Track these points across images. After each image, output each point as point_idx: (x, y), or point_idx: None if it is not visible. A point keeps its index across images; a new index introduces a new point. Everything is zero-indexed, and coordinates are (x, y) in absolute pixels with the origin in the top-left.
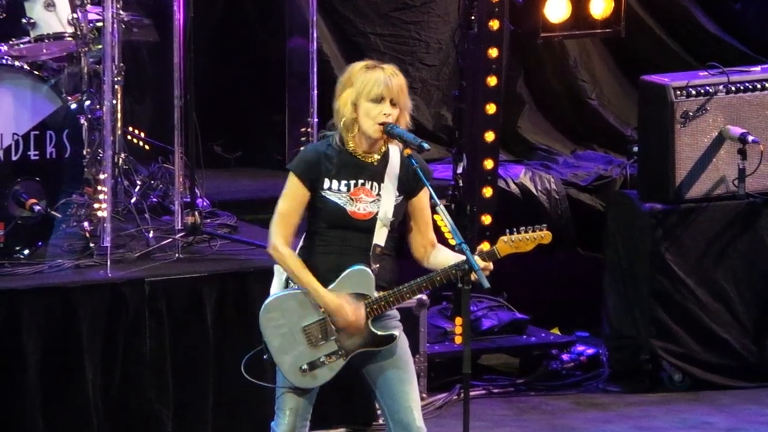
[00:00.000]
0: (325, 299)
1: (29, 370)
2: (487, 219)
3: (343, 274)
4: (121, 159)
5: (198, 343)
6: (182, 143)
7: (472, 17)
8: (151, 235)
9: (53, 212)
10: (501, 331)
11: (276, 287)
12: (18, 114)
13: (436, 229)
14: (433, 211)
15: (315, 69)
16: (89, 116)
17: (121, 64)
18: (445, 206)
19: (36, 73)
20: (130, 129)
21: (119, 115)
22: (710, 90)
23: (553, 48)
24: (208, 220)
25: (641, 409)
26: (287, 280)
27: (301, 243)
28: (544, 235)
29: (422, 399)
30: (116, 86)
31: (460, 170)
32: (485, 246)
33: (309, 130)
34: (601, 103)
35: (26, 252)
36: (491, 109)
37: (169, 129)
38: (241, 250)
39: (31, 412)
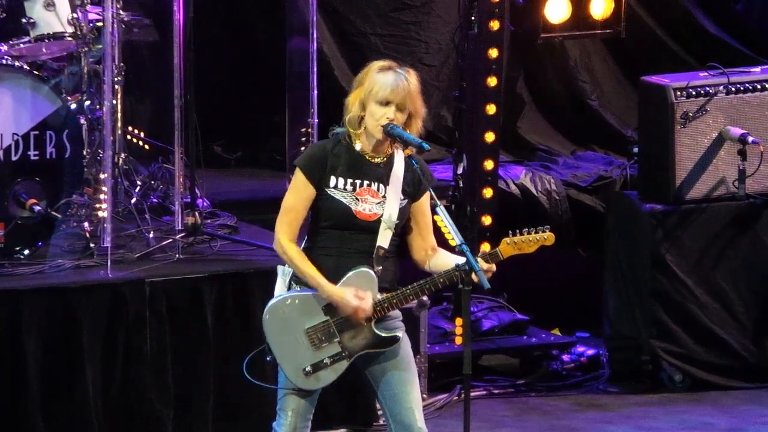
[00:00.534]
0: (328, 290)
1: (29, 371)
2: (487, 220)
3: (347, 276)
4: (121, 159)
5: (198, 343)
6: (182, 143)
7: (473, 18)
8: (151, 235)
9: (53, 212)
10: (501, 332)
11: (279, 289)
12: (18, 114)
13: (436, 229)
14: (433, 212)
15: (315, 69)
16: (89, 116)
17: (121, 64)
18: (445, 207)
19: (36, 73)
20: (130, 129)
21: (119, 115)
22: (710, 91)
23: (553, 48)
24: (209, 221)
25: (641, 410)
26: (291, 281)
27: (303, 245)
28: (547, 237)
29: (423, 400)
30: (116, 86)
31: (460, 171)
32: (486, 247)
33: (309, 130)
34: (601, 103)
35: (26, 252)
36: (491, 109)
37: (169, 129)
38: (241, 250)
39: (31, 412)
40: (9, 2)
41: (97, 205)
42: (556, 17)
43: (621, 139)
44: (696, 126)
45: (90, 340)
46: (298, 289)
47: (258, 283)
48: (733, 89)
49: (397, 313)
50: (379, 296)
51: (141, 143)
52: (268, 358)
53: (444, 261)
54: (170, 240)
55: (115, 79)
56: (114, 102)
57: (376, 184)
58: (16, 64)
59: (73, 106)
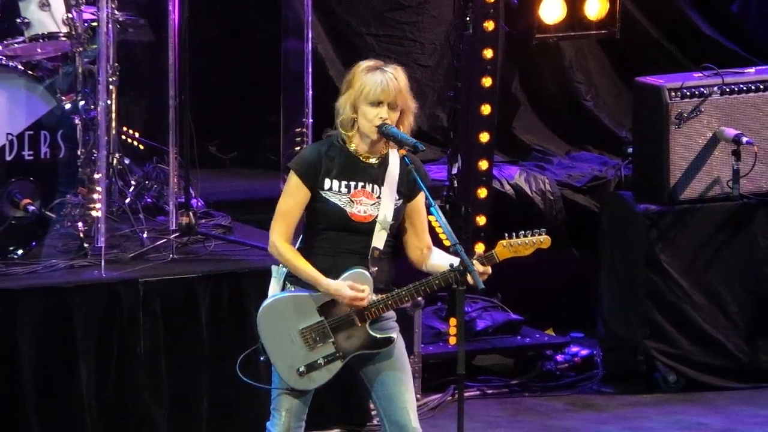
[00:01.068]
0: (324, 284)
1: (24, 371)
2: (481, 220)
3: (342, 277)
4: (115, 159)
5: (192, 343)
6: (177, 143)
7: (467, 18)
8: (145, 235)
9: (47, 212)
10: (495, 332)
11: (273, 289)
12: (12, 114)
13: (431, 229)
14: (428, 212)
15: (310, 69)
16: (84, 116)
17: (116, 64)
18: (439, 207)
19: (30, 73)
20: (125, 129)
21: (114, 116)
22: (705, 91)
23: (548, 49)
24: (203, 221)
25: (635, 410)
26: (285, 281)
27: (297, 245)
28: (543, 240)
29: (417, 400)
30: (111, 86)
31: (454, 171)
32: (480, 247)
33: (304, 130)
34: (596, 104)
35: (20, 252)
36: (486, 110)
37: (163, 129)
38: (235, 250)
39: (25, 412)
40: (4, 2)
41: (92, 205)
42: (551, 18)
43: (616, 140)
44: (690, 126)
45: (84, 340)
46: (293, 289)
47: (252, 283)
48: (728, 90)
49: (391, 313)
50: (374, 297)
51: (136, 143)
52: (262, 358)
53: (440, 260)
54: (164, 240)
55: (110, 79)
56: (109, 102)
57: (371, 185)
58: (11, 64)
59: (68, 106)
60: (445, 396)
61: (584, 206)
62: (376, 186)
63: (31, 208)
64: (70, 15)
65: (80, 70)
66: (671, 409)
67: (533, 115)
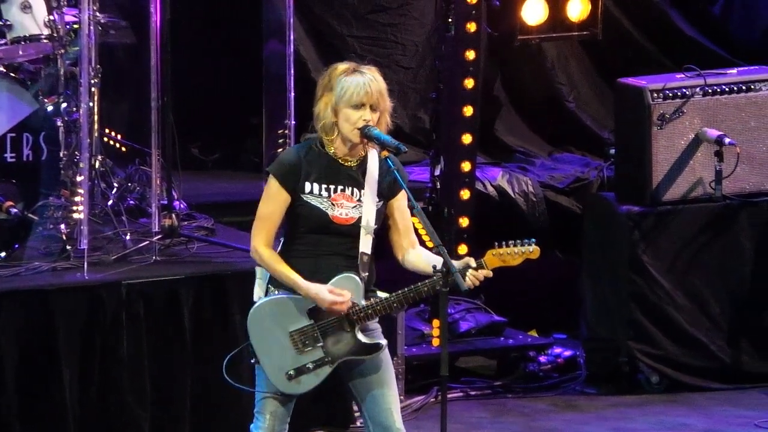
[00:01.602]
0: (303, 287)
1: (6, 373)
2: (464, 221)
3: (332, 281)
4: (98, 161)
5: (175, 345)
6: (159, 145)
7: (449, 19)
8: (128, 237)
9: (30, 215)
10: (478, 334)
11: (257, 292)
12: None
13: (414, 231)
14: (411, 214)
15: (292, 71)
16: (66, 118)
17: (98, 66)
18: (422, 208)
19: (12, 75)
20: (107, 131)
21: (96, 118)
22: (687, 92)
23: (530, 50)
24: (186, 223)
25: (618, 411)
26: (268, 285)
27: (279, 248)
28: (532, 250)
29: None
30: (93, 88)
31: (437, 172)
32: (462, 249)
33: (286, 132)
34: (578, 105)
35: (3, 254)
36: (468, 111)
37: (146, 131)
38: (218, 252)
39: (7, 415)
40: None
41: (74, 208)
42: (533, 19)
43: (598, 141)
44: (673, 127)
45: (67, 342)
46: (276, 293)
47: (235, 285)
48: (710, 91)
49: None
50: (363, 302)
51: (118, 145)
52: (252, 360)
53: (425, 260)
54: (147, 242)
55: (92, 81)
56: (91, 104)
57: (350, 188)
58: None
59: (50, 108)
60: (428, 397)
61: (567, 207)
62: (355, 189)
63: (14, 210)
64: (51, 17)
65: (62, 72)
66: (654, 409)
67: (516, 116)
